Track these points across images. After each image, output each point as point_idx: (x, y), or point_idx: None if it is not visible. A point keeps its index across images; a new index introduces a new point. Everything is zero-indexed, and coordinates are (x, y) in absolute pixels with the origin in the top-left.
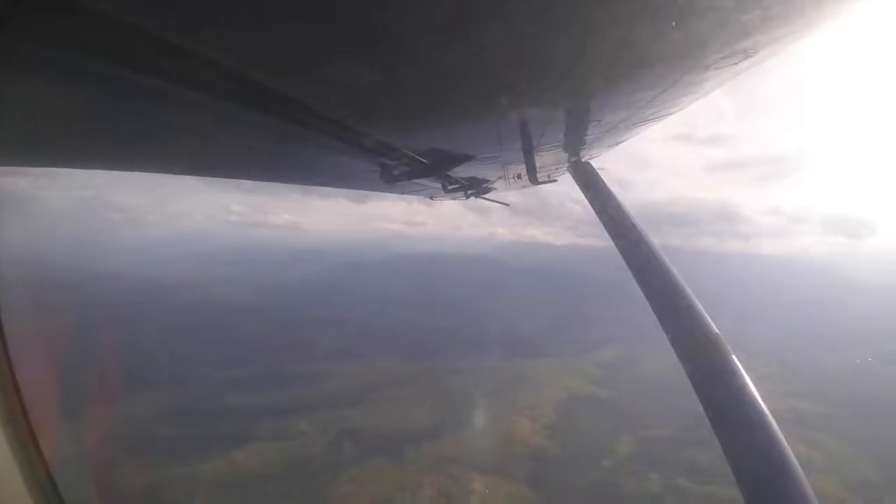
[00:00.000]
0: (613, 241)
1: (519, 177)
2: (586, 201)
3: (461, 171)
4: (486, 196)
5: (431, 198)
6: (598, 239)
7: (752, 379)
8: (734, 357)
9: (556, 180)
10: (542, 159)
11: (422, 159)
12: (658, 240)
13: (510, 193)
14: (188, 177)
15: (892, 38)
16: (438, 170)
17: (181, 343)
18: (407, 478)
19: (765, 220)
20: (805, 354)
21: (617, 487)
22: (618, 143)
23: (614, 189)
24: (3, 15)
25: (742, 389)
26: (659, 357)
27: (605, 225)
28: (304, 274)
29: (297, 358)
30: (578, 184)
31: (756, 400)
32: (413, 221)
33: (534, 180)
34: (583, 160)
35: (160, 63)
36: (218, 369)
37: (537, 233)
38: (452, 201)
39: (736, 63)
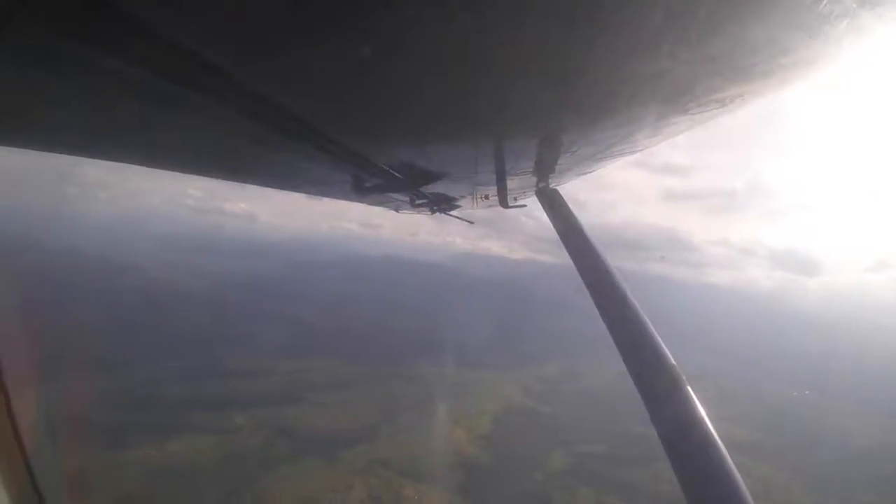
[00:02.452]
0: (577, 267)
1: (486, 197)
2: (549, 223)
3: (431, 187)
4: (451, 213)
5: (397, 210)
6: (553, 255)
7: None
8: (689, 388)
9: (524, 205)
10: (512, 183)
11: (395, 174)
12: (613, 262)
13: (475, 211)
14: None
15: (851, 83)
16: (411, 185)
17: (122, 326)
18: (338, 479)
19: (714, 251)
20: (743, 382)
21: (547, 501)
22: (586, 173)
23: (579, 216)
24: (10, 8)
25: (696, 418)
26: (598, 375)
27: (569, 251)
28: (256, 267)
29: (241, 352)
30: (545, 209)
31: (708, 429)
32: (370, 223)
33: (503, 203)
34: (551, 186)
35: (147, 57)
36: (158, 356)
37: (493, 245)
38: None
39: (709, 110)
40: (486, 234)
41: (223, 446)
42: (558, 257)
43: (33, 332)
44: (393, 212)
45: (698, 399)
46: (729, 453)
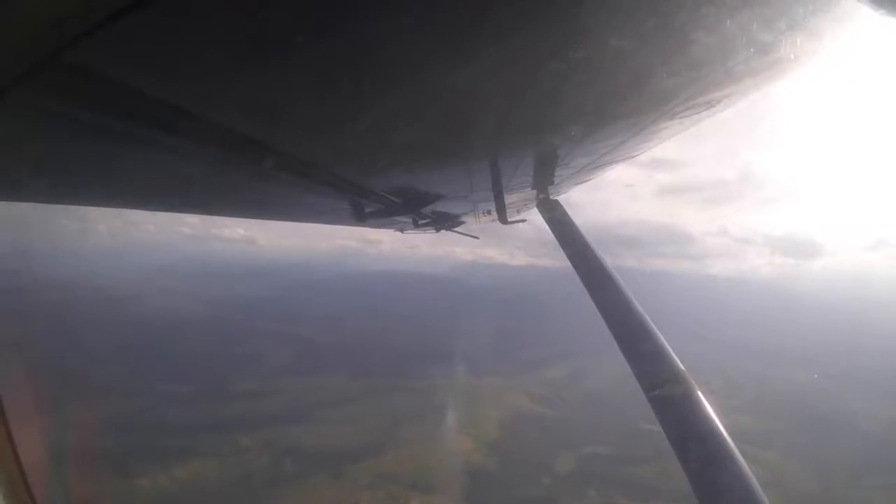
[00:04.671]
0: (580, 276)
1: (489, 213)
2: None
3: (431, 208)
4: (455, 230)
5: (402, 231)
6: (552, 259)
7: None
8: (696, 388)
9: (524, 220)
10: (511, 198)
11: (393, 198)
12: (612, 260)
13: (479, 225)
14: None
15: (836, 70)
16: (410, 208)
17: (125, 355)
18: (345, 495)
19: (713, 242)
20: (749, 370)
21: None
22: (584, 182)
23: (579, 224)
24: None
25: (703, 418)
26: (602, 375)
27: (572, 260)
28: (256, 289)
29: (244, 374)
30: (546, 220)
31: (717, 427)
32: (369, 239)
33: (503, 220)
34: (550, 197)
35: (144, 114)
36: (162, 383)
37: (494, 253)
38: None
39: (699, 113)
40: (485, 243)
41: (229, 469)
42: (558, 261)
43: (34, 366)
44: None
45: (704, 394)
46: (737, 445)
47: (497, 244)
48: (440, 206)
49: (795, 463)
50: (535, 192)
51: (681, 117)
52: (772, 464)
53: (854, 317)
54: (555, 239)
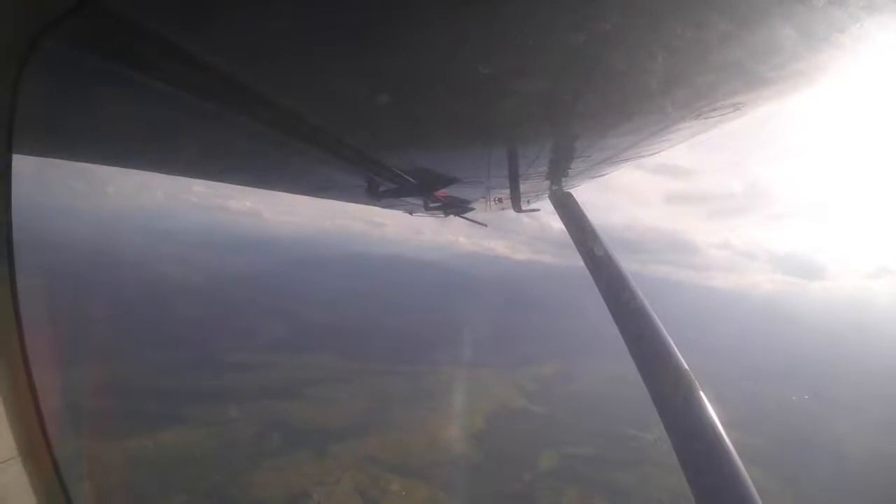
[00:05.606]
0: (590, 271)
1: (500, 200)
2: (555, 225)
3: (446, 191)
4: (465, 216)
5: (411, 213)
6: (554, 257)
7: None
8: (700, 391)
9: (538, 209)
10: (524, 186)
11: (409, 178)
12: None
13: (488, 214)
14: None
15: (858, 89)
16: (425, 190)
17: (122, 318)
18: (327, 473)
19: (716, 254)
20: (740, 386)
21: (533, 501)
22: (599, 176)
23: (592, 219)
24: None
25: (712, 428)
26: (593, 377)
27: (582, 254)
28: (258, 263)
29: (238, 346)
30: (559, 212)
31: (723, 438)
32: (374, 221)
33: (517, 208)
34: (564, 190)
35: (168, 71)
36: (156, 349)
37: (497, 245)
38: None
39: (724, 115)
40: (489, 234)
41: (216, 438)
42: (560, 258)
43: (52, 327)
44: (399, 211)
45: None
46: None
47: (501, 237)
48: (453, 190)
49: (777, 483)
50: (548, 182)
51: (706, 118)
52: (755, 481)
53: (850, 342)
54: (563, 232)
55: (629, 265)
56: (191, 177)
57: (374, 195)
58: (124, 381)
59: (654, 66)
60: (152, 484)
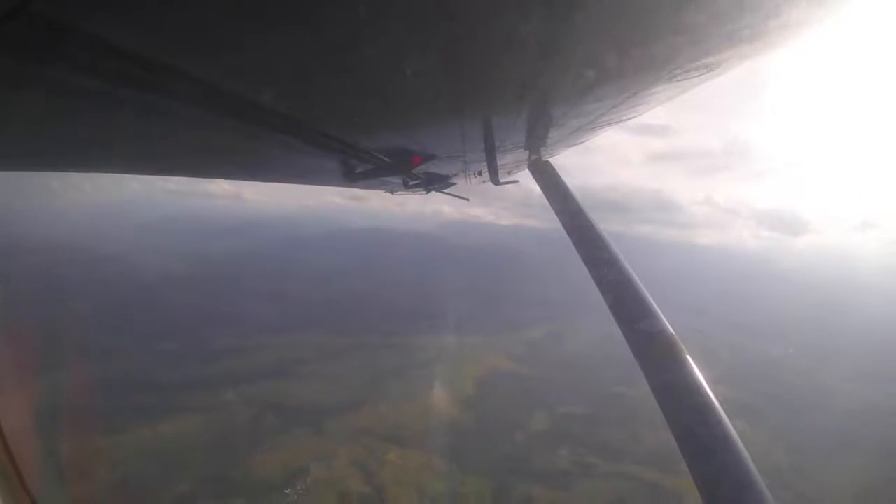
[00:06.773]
0: (571, 238)
1: (480, 174)
2: (541, 194)
3: (422, 168)
4: (446, 191)
5: (392, 192)
6: (540, 220)
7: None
8: (686, 353)
9: (517, 181)
10: (503, 158)
11: (384, 158)
12: (599, 224)
13: (470, 186)
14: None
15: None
16: (402, 168)
17: (111, 314)
18: (324, 448)
19: (699, 211)
20: (727, 342)
21: (527, 461)
22: (577, 143)
23: (571, 186)
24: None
25: (695, 384)
26: (581, 338)
27: (563, 222)
28: (242, 245)
29: (228, 330)
30: (538, 181)
31: (708, 395)
32: (356, 195)
33: (495, 180)
34: (543, 159)
35: (117, 69)
36: (147, 340)
37: (481, 212)
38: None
39: (698, 76)
40: (474, 202)
41: (214, 424)
42: (546, 222)
43: (22, 333)
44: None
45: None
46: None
47: (485, 204)
48: (431, 167)
49: (766, 435)
50: (527, 152)
51: (679, 80)
52: (742, 434)
53: (836, 297)
54: (544, 200)
55: (613, 226)
56: (164, 175)
57: (351, 178)
58: (116, 375)
59: (622, 29)
60: (154, 474)
